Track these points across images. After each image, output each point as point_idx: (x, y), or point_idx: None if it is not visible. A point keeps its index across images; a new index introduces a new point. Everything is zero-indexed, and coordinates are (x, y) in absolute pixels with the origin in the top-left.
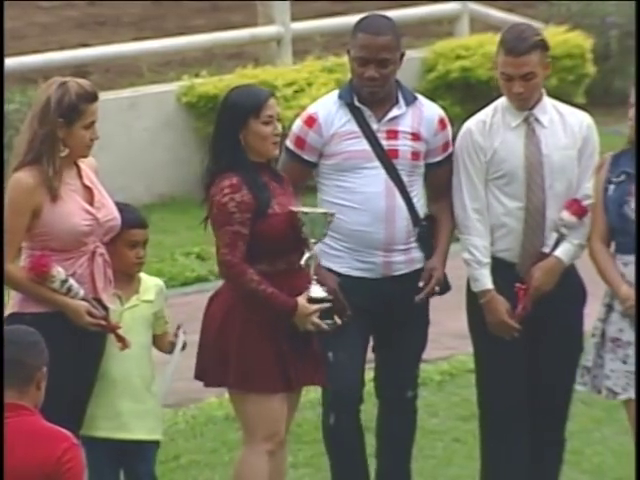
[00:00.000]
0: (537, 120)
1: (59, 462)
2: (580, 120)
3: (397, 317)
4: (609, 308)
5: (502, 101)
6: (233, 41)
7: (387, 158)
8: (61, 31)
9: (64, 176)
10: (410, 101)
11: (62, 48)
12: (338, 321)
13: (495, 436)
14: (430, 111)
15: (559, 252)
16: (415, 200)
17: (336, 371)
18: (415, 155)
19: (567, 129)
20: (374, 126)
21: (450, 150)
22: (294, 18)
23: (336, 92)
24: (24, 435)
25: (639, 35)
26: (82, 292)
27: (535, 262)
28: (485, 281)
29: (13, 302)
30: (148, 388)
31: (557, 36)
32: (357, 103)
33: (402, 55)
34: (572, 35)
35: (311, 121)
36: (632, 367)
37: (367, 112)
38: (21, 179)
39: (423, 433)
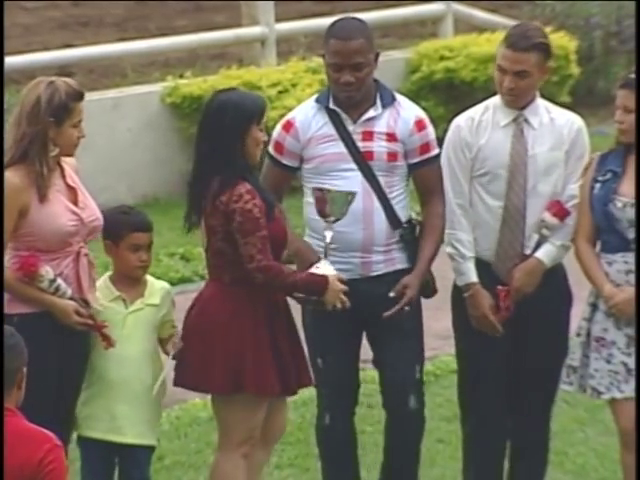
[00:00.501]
0: (527, 121)
1: (41, 464)
2: (570, 122)
3: (383, 319)
4: (594, 307)
5: (494, 100)
6: (217, 42)
7: (363, 160)
8: (44, 32)
9: (51, 176)
10: (388, 102)
11: (45, 49)
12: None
13: (475, 435)
14: (407, 112)
15: (540, 253)
16: (394, 202)
17: (327, 374)
18: (391, 156)
19: (555, 131)
20: (350, 128)
21: (432, 152)
22: (278, 19)
23: (315, 97)
24: (6, 436)
25: (639, 35)
26: (69, 291)
27: (516, 263)
28: (470, 274)
29: None
30: (147, 392)
31: None
32: (332, 106)
33: (377, 56)
34: (556, 36)
35: (288, 126)
36: (616, 367)
37: (342, 115)
38: (8, 179)
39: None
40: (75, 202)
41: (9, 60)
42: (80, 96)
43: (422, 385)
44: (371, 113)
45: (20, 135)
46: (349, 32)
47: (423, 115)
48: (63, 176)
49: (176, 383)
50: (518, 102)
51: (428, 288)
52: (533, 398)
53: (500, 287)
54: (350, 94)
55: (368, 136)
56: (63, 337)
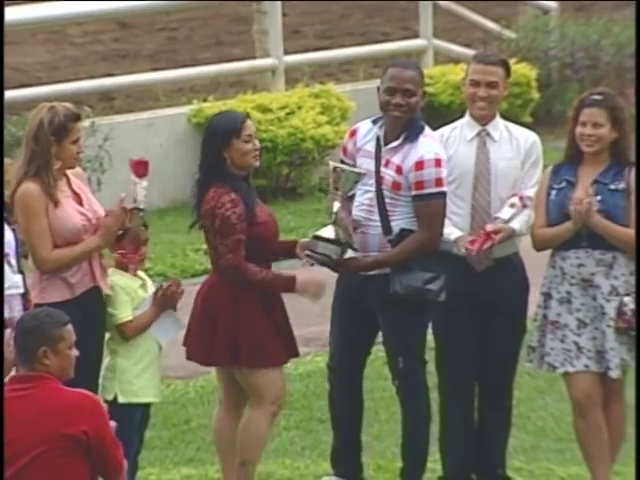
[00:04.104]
0: (489, 135)
1: (86, 423)
2: (526, 136)
3: (371, 312)
4: (547, 296)
5: (463, 120)
6: (235, 71)
7: (379, 181)
8: (89, 63)
9: (58, 184)
10: (411, 137)
11: (90, 77)
12: (333, 256)
13: (450, 400)
14: (417, 151)
15: (514, 225)
16: (392, 218)
17: (332, 351)
18: (395, 186)
19: (514, 143)
20: (382, 151)
21: (424, 191)
22: (286, 52)
23: (374, 117)
24: (47, 402)
25: (639, 36)
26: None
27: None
28: (449, 231)
29: (32, 294)
30: None
31: None
32: (377, 130)
33: (424, 93)
34: (519, 66)
35: (353, 132)
36: (568, 345)
37: (382, 139)
38: (29, 187)
39: (394, 400)
40: (81, 205)
41: (60, 87)
42: (77, 117)
43: (410, 372)
44: (393, 144)
45: (30, 154)
46: (406, 64)
47: (428, 157)
48: (69, 184)
49: (187, 357)
50: (489, 110)
51: (389, 291)
52: (497, 370)
53: (489, 230)
54: (398, 115)
55: (386, 163)
56: (84, 321)
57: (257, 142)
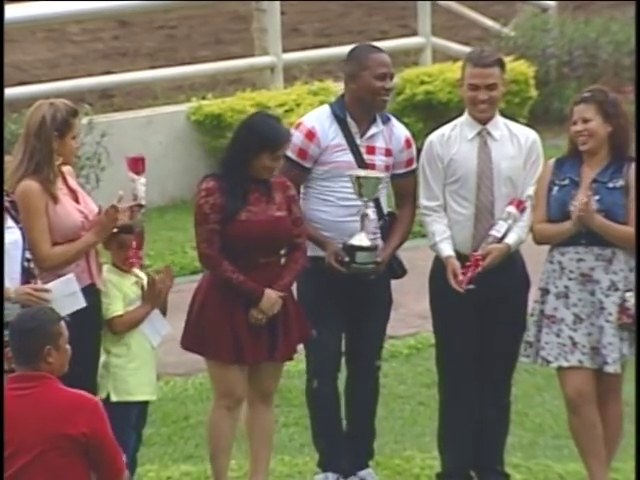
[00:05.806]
0: (489, 134)
1: (85, 425)
2: (526, 135)
3: (361, 296)
4: (545, 291)
5: (461, 118)
6: (234, 69)
7: (365, 168)
8: (89, 61)
9: (56, 182)
10: (385, 121)
11: (90, 75)
12: (378, 259)
13: (450, 399)
14: (399, 131)
15: (509, 240)
16: (381, 200)
17: (319, 345)
18: (387, 168)
19: (515, 142)
20: (357, 141)
21: (413, 166)
22: (285, 50)
23: (327, 107)
24: (48, 402)
25: (639, 36)
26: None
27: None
28: (444, 251)
29: None
30: None
31: None
32: (349, 119)
33: None
34: (517, 64)
35: (311, 135)
36: (564, 340)
37: (354, 128)
38: (29, 185)
39: (393, 397)
40: (77, 202)
41: (60, 84)
42: (76, 112)
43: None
44: (373, 130)
45: (31, 150)
46: (378, 47)
47: (410, 135)
48: (65, 181)
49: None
50: (489, 113)
51: (397, 271)
52: (497, 367)
53: (477, 255)
54: (388, 99)
55: (371, 150)
56: (82, 318)
57: (282, 161)
